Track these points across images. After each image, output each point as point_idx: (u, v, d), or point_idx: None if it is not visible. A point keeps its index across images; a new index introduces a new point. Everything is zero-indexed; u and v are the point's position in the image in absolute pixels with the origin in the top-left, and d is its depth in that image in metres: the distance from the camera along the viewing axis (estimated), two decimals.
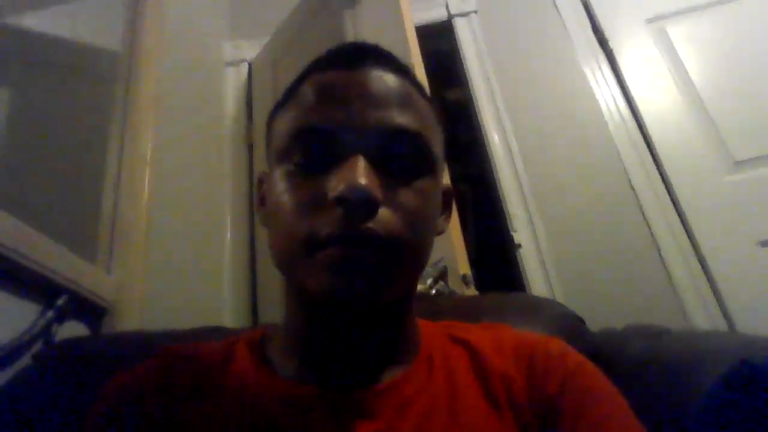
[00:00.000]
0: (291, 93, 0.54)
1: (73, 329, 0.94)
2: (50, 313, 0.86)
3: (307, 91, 0.51)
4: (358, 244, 0.43)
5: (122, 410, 0.48)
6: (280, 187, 0.48)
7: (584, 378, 0.49)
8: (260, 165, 1.92)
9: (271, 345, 0.55)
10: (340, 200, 0.43)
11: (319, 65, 0.53)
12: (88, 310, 1.00)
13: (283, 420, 0.46)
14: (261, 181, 0.59)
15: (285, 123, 0.51)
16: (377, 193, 0.44)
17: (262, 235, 1.81)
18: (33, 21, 1.52)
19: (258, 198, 0.59)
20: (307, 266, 0.44)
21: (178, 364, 0.53)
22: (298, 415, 0.46)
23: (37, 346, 0.83)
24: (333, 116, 0.47)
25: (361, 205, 0.43)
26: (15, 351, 0.78)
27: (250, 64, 2.17)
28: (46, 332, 0.85)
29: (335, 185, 0.44)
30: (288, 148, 0.49)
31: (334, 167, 0.45)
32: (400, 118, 0.48)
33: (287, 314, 0.54)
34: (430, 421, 0.46)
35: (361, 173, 0.43)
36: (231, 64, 2.17)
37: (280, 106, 0.55)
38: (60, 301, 0.88)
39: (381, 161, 0.46)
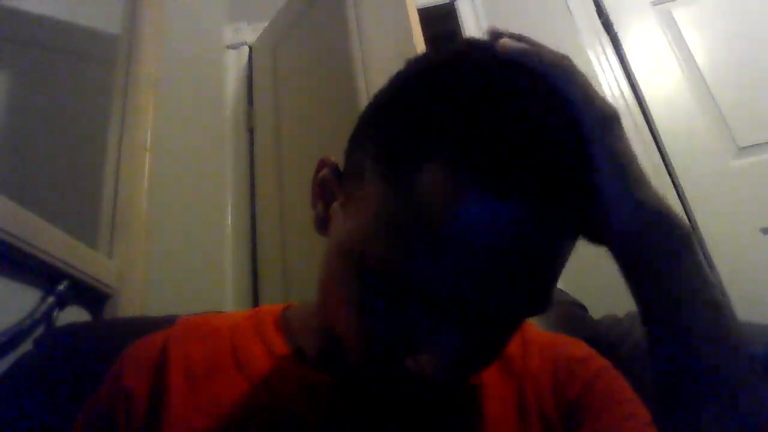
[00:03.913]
0: (406, 148, 0.35)
1: (74, 315, 0.95)
2: (51, 299, 0.86)
3: (431, 200, 0.33)
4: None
5: (138, 378, 0.48)
6: (345, 273, 0.39)
7: (606, 382, 0.49)
8: (261, 149, 1.91)
9: (293, 326, 0.53)
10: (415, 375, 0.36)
11: (467, 153, 0.33)
12: (89, 295, 1.00)
13: (302, 407, 0.46)
14: (324, 168, 0.46)
15: (381, 206, 0.36)
16: (456, 382, 0.38)
17: (263, 220, 1.80)
18: (31, 3, 1.51)
19: (319, 191, 0.46)
20: (353, 352, 0.40)
21: (197, 336, 0.52)
22: (317, 403, 0.46)
23: (38, 332, 0.83)
24: (446, 280, 0.33)
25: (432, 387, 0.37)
26: (16, 336, 0.78)
27: (250, 48, 2.15)
28: (47, 318, 0.85)
29: (418, 359, 0.35)
30: (371, 260, 0.35)
31: (422, 316, 0.36)
32: (539, 301, 0.37)
33: (317, 314, 0.49)
34: (454, 418, 0.46)
35: (442, 366, 0.35)
36: (231, 47, 2.15)
37: (380, 144, 0.38)
38: (61, 287, 0.88)
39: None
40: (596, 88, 0.41)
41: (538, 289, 0.36)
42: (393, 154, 0.36)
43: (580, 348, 0.54)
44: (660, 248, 0.40)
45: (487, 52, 0.40)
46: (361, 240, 0.37)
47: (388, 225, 0.35)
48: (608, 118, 0.40)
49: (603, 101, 0.40)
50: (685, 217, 1.58)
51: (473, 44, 0.42)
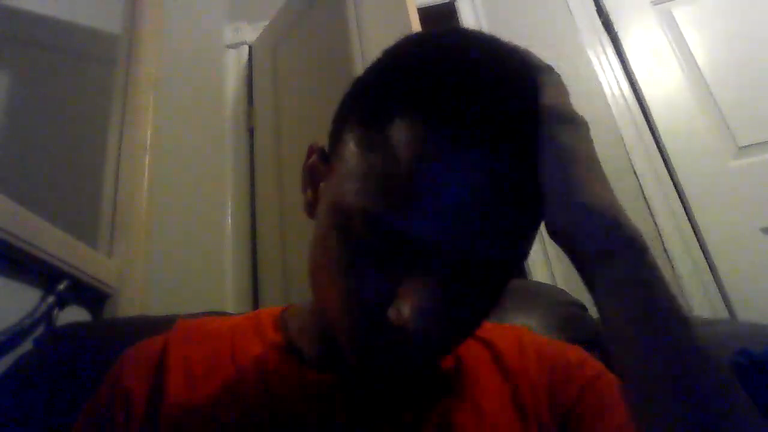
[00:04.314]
0: (379, 111, 0.39)
1: (74, 314, 0.95)
2: (51, 299, 0.86)
3: (401, 150, 0.36)
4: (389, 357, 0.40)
5: (138, 379, 0.48)
6: (330, 237, 0.40)
7: (602, 387, 0.49)
8: (261, 149, 1.91)
9: (292, 326, 0.53)
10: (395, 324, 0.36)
11: (431, 105, 0.36)
12: (90, 295, 1.00)
13: (301, 407, 0.46)
14: (312, 155, 0.48)
15: (358, 165, 0.38)
16: (434, 333, 0.38)
17: (263, 219, 1.80)
18: (31, 2, 1.51)
19: (308, 176, 0.48)
20: (339, 321, 0.41)
21: (197, 338, 0.52)
22: (316, 402, 0.46)
23: (39, 331, 0.83)
24: (421, 224, 0.35)
25: (410, 339, 0.37)
26: (16, 336, 0.78)
27: (250, 47, 2.15)
28: (47, 317, 0.85)
29: (399, 308, 0.36)
30: (351, 216, 0.38)
31: (401, 268, 0.37)
32: (511, 249, 0.38)
33: (315, 312, 0.50)
34: (455, 417, 0.46)
35: (422, 312, 0.36)
36: (231, 46, 2.14)
37: (357, 113, 0.42)
38: (61, 287, 0.88)
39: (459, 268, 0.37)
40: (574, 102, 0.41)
41: (506, 234, 0.37)
42: (367, 118, 0.40)
43: (575, 353, 0.53)
44: (611, 259, 0.36)
45: (469, 33, 0.42)
46: (341, 194, 0.39)
47: (366, 178, 0.37)
48: (571, 119, 0.39)
49: (573, 108, 0.40)
50: (685, 218, 1.59)
51: (458, 28, 0.44)
